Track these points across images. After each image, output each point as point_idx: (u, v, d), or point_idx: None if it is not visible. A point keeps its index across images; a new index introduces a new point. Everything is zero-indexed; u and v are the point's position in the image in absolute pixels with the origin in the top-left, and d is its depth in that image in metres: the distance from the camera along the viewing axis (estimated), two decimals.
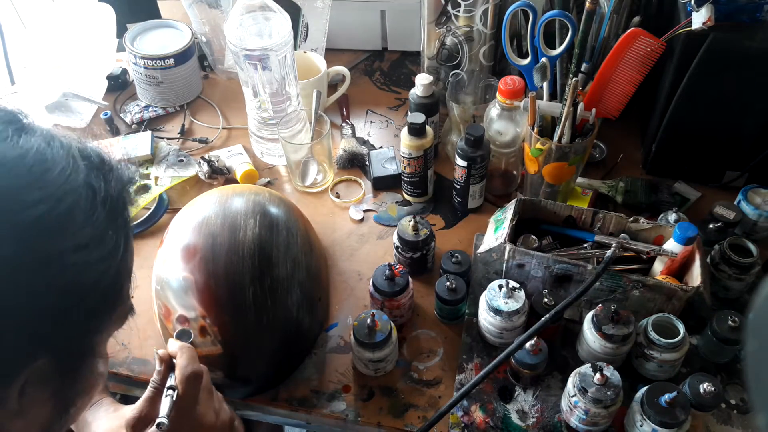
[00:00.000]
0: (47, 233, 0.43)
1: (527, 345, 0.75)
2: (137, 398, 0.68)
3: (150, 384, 0.67)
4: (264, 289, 0.77)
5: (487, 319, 0.81)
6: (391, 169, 1.06)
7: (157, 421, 0.62)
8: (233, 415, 0.74)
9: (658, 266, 0.83)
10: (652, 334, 0.76)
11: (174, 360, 0.68)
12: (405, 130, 0.94)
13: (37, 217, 0.42)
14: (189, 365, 0.67)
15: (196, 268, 0.76)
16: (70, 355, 0.48)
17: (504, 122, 0.95)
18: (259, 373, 0.80)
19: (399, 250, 0.90)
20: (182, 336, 0.74)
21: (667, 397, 0.68)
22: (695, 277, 0.78)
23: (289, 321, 0.80)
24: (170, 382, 0.66)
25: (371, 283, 0.84)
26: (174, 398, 0.64)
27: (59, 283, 0.44)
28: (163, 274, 0.79)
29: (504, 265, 0.85)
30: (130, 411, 0.66)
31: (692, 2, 0.81)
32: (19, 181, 0.43)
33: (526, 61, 0.89)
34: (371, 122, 1.19)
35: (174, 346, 0.69)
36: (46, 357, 0.44)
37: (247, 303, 0.76)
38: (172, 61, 1.16)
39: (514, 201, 0.88)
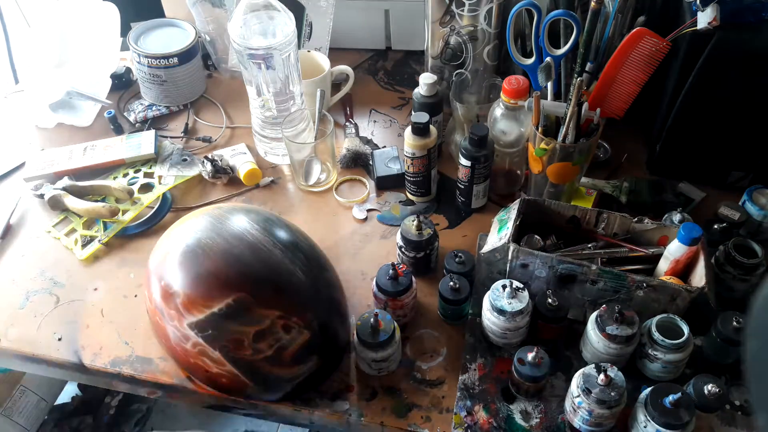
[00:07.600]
0: None
1: (530, 357, 0.75)
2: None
3: None
4: (302, 263, 0.79)
5: (490, 320, 0.81)
6: (395, 168, 1.05)
7: None
8: None
9: (663, 266, 0.82)
10: (657, 335, 0.75)
11: None
12: (409, 129, 0.94)
13: None
14: None
15: (242, 288, 0.74)
16: None
17: (508, 122, 0.95)
18: (342, 334, 0.84)
19: (402, 249, 0.90)
20: None
21: (671, 398, 0.68)
22: (699, 277, 0.78)
23: (329, 286, 0.83)
24: None
25: (374, 283, 0.84)
26: None
27: None
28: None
29: (508, 265, 0.85)
30: None
31: (697, 2, 0.80)
32: None
33: (530, 61, 0.89)
34: (375, 122, 1.19)
35: None
36: None
37: (297, 279, 0.77)
38: (175, 59, 1.16)
39: (518, 201, 0.88)
